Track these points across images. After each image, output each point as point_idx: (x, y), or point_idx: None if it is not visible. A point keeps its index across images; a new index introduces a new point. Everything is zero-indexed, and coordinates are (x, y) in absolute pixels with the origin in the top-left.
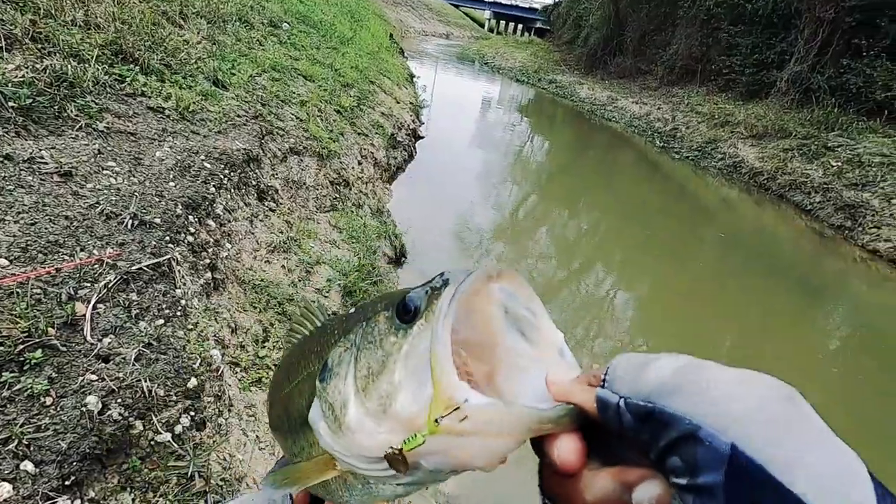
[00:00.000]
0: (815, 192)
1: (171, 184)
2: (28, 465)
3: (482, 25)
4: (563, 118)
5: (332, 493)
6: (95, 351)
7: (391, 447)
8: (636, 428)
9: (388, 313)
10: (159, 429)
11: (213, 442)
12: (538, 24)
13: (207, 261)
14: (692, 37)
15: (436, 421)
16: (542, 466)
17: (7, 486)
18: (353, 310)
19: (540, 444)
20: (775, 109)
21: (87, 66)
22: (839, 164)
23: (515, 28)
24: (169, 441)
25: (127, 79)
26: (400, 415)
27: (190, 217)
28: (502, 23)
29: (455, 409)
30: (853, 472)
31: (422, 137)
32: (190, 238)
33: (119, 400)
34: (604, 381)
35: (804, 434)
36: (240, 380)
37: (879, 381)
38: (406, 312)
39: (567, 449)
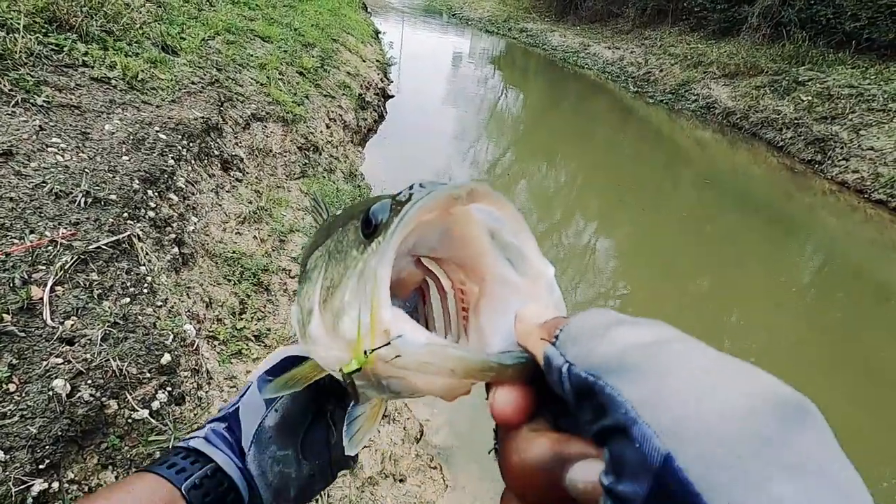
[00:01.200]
0: (787, 129)
1: (125, 158)
2: None
3: None
4: (535, 69)
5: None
6: (58, 334)
7: (339, 369)
8: (575, 401)
9: (357, 223)
10: (135, 406)
11: (195, 415)
12: None
13: (173, 236)
14: None
15: (365, 353)
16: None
17: None
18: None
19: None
20: (747, 47)
21: (16, 35)
22: (809, 98)
23: None
24: (147, 417)
25: (64, 48)
26: (344, 336)
27: (149, 192)
28: None
29: (386, 345)
30: None
31: (391, 97)
32: (151, 213)
33: (89, 381)
34: (556, 336)
35: (797, 472)
36: (219, 353)
37: (847, 309)
38: (367, 226)
39: (501, 401)
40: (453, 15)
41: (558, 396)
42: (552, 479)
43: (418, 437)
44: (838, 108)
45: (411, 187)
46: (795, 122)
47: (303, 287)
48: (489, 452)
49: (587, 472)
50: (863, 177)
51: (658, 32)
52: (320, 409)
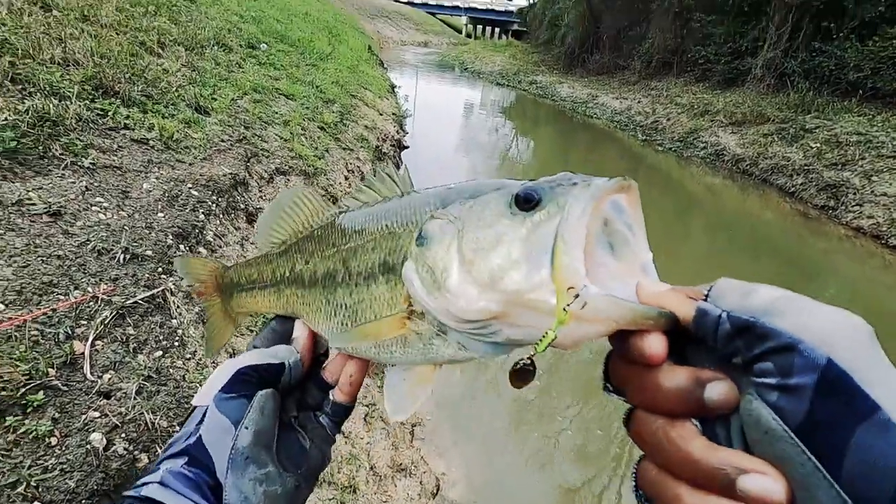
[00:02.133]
0: (797, 175)
1: (160, 214)
2: None
3: (459, 31)
4: (545, 118)
5: (384, 350)
6: (97, 388)
7: (521, 362)
8: (730, 337)
9: (503, 199)
10: None
11: None
12: (515, 27)
13: None
14: (666, 29)
15: (563, 309)
16: (612, 363)
17: None
18: (411, 193)
19: (623, 338)
20: (752, 96)
21: (68, 103)
22: (818, 145)
23: (493, 32)
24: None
25: (109, 112)
26: (508, 288)
27: (181, 246)
28: (479, 27)
29: (576, 297)
30: None
31: (406, 147)
32: None
33: (123, 434)
34: (706, 296)
35: (883, 361)
36: None
37: None
38: (528, 201)
39: (659, 343)
40: (465, 69)
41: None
42: (689, 397)
43: (435, 491)
44: (848, 154)
45: (565, 175)
46: (805, 168)
47: (426, 249)
48: (603, 390)
49: (721, 387)
50: (878, 222)
51: (664, 83)
52: (282, 418)
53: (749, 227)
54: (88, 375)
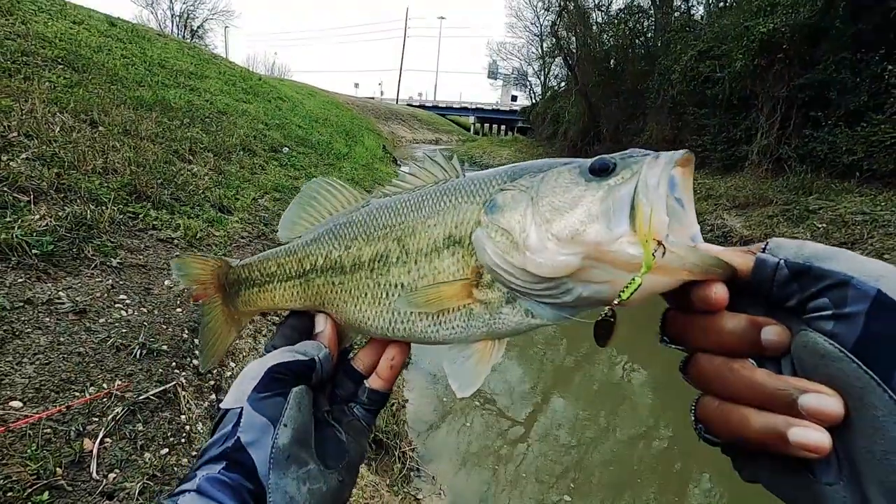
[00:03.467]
0: None
1: (178, 310)
2: None
3: (468, 129)
4: None
5: (445, 325)
6: (100, 488)
7: (604, 313)
8: (787, 282)
9: (575, 169)
10: None
11: None
12: (519, 124)
13: (212, 382)
14: (662, 122)
15: (652, 255)
16: (669, 317)
17: None
18: (467, 174)
19: (683, 293)
20: (752, 180)
21: (104, 208)
22: (824, 225)
23: (499, 129)
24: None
25: (140, 215)
26: (589, 240)
27: (195, 341)
28: (486, 125)
29: (660, 245)
30: None
31: None
32: (195, 361)
33: None
34: (764, 249)
35: None
36: None
37: None
38: (602, 170)
39: (723, 290)
40: (475, 163)
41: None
42: (748, 338)
43: None
44: (856, 233)
45: (633, 150)
46: None
47: (499, 215)
48: (660, 343)
49: (776, 329)
50: None
51: None
52: (315, 414)
53: None
54: (94, 475)
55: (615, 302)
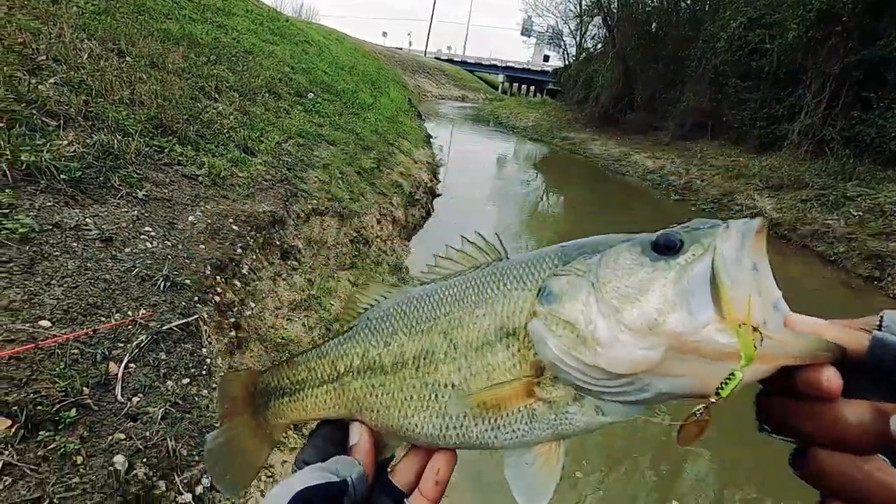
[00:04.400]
0: (839, 243)
1: (202, 246)
2: None
3: (496, 88)
4: (577, 173)
5: (504, 430)
6: (125, 410)
7: (697, 412)
8: None
9: (636, 248)
10: (181, 489)
11: (234, 503)
12: (550, 86)
13: (232, 320)
14: (701, 93)
15: (753, 346)
16: (769, 402)
17: None
18: (506, 261)
19: (786, 375)
20: (790, 161)
21: (131, 139)
22: (860, 213)
23: (528, 90)
24: (190, 502)
25: (166, 149)
26: (670, 330)
27: (217, 278)
28: (515, 85)
29: (755, 331)
30: None
31: (439, 195)
32: (217, 298)
33: (144, 459)
34: (879, 326)
35: None
36: None
37: None
38: (669, 247)
39: (836, 375)
40: (500, 123)
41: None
42: (874, 430)
43: None
44: (893, 224)
45: (702, 221)
46: (848, 236)
47: (557, 305)
48: (759, 431)
49: None
50: None
51: (699, 145)
52: None
53: (792, 295)
54: (119, 397)
55: (712, 400)
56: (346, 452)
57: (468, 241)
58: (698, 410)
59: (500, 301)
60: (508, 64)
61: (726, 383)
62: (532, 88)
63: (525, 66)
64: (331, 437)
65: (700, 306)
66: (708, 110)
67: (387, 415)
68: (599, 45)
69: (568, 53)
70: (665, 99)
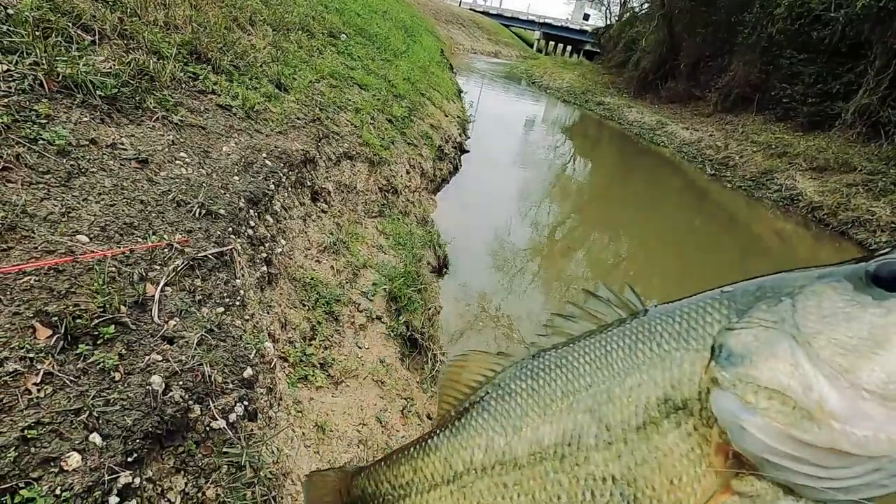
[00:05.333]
0: (882, 231)
1: (236, 178)
2: (96, 438)
3: (531, 45)
4: (608, 140)
5: None
6: (162, 332)
7: None
8: None
9: (842, 286)
10: (216, 415)
11: (264, 434)
12: (587, 47)
13: (264, 255)
14: (751, 63)
15: None
16: None
17: (77, 457)
18: (640, 316)
19: None
20: (839, 142)
21: (165, 62)
22: None
23: (564, 49)
24: (224, 428)
25: (200, 77)
26: None
27: (251, 211)
28: (551, 44)
29: None
30: None
31: (467, 151)
32: (250, 231)
33: (181, 382)
34: None
35: None
36: (287, 375)
37: None
38: (893, 279)
39: None
40: (532, 82)
41: None
42: None
43: None
44: None
45: None
46: (892, 225)
47: (747, 369)
48: None
49: None
50: None
51: (741, 119)
52: None
53: None
54: (156, 318)
55: None
56: None
57: (593, 295)
58: None
59: (658, 366)
60: (546, 20)
61: None
62: (569, 48)
63: (563, 23)
64: None
65: None
66: (756, 82)
67: None
68: (646, 5)
69: (610, 13)
70: (710, 67)
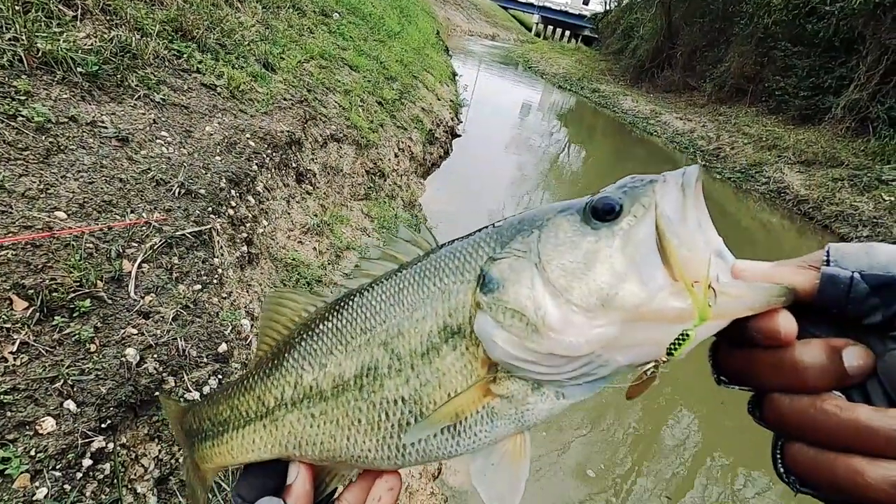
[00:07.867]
0: (863, 226)
1: (217, 158)
2: (70, 405)
3: (529, 29)
4: (602, 128)
5: (467, 436)
6: (137, 307)
7: (647, 372)
8: (865, 297)
9: (573, 218)
10: (189, 387)
11: None
12: (586, 32)
13: (245, 235)
14: (746, 55)
15: (709, 305)
16: (724, 354)
17: (51, 421)
18: (440, 247)
19: (739, 325)
20: (827, 136)
21: (149, 39)
22: (892, 198)
23: (563, 34)
24: (197, 399)
25: (184, 55)
26: (626, 303)
27: (232, 191)
28: (549, 28)
29: (710, 290)
30: None
31: (459, 136)
32: (230, 211)
33: (155, 355)
34: (827, 262)
35: None
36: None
37: None
38: (608, 212)
39: (790, 320)
40: (529, 67)
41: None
42: (830, 369)
43: (436, 474)
44: None
45: (634, 178)
46: (874, 220)
47: (500, 293)
48: (718, 384)
49: (858, 353)
50: None
51: (734, 110)
52: None
53: None
54: (132, 294)
55: (663, 360)
56: (285, 493)
57: (393, 236)
58: (647, 370)
59: (438, 298)
60: (545, 4)
61: (679, 343)
62: (567, 33)
63: (563, 7)
64: (269, 468)
65: (649, 272)
66: (750, 74)
67: (332, 445)
68: None
69: None
70: (706, 58)
